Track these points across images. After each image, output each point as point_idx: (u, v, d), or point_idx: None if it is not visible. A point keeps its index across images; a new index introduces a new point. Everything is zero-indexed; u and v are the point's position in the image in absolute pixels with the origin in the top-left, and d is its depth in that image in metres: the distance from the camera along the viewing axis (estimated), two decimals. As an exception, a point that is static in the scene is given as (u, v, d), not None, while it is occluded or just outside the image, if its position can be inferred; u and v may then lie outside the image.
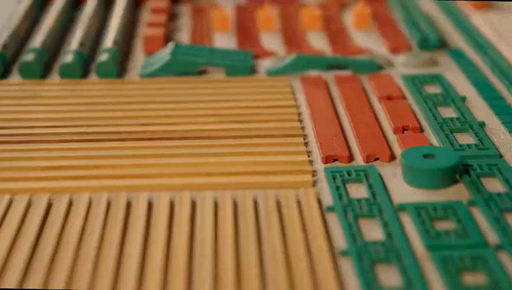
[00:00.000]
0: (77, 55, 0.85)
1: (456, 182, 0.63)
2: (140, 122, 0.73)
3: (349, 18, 1.01)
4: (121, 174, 0.65)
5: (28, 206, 0.61)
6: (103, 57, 0.84)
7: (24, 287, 0.52)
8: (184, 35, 0.97)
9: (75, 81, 0.83)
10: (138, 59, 0.90)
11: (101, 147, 0.69)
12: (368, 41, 0.94)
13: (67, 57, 0.84)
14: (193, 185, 0.64)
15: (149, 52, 0.90)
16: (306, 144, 0.70)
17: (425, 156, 0.64)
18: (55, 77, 0.84)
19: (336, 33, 0.96)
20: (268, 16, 0.98)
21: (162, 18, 0.96)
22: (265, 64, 0.87)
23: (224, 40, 0.95)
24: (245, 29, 0.98)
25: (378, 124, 0.73)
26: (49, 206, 0.61)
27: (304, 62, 0.84)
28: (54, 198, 0.62)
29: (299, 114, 0.76)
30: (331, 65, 0.85)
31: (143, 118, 0.74)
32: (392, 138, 0.71)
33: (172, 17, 1.03)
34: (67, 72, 0.83)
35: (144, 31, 0.93)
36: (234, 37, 0.96)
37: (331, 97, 0.79)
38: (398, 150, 0.69)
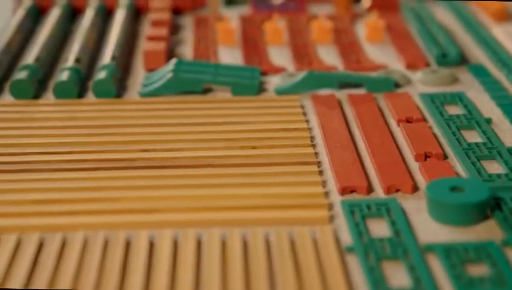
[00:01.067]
0: (73, 73, 0.79)
1: (486, 217, 0.58)
2: (141, 148, 0.68)
3: (362, 30, 0.96)
4: (119, 208, 0.59)
5: (17, 246, 0.56)
6: (101, 75, 0.78)
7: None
8: (187, 49, 0.91)
9: (70, 101, 0.77)
10: (138, 76, 0.84)
11: (97, 177, 0.63)
12: (382, 56, 0.88)
13: (63, 75, 0.78)
14: (198, 221, 0.58)
15: (150, 69, 0.85)
16: (320, 172, 0.64)
17: (452, 188, 0.58)
18: (49, 96, 0.79)
19: (348, 47, 0.90)
20: (276, 28, 0.92)
21: (163, 31, 0.90)
22: (273, 81, 0.82)
23: (230, 55, 0.90)
24: (251, 42, 0.92)
25: (398, 149, 0.67)
26: (40, 247, 0.56)
27: (315, 80, 0.79)
28: (46, 237, 0.57)
29: (312, 138, 0.70)
30: (345, 83, 0.80)
31: (143, 143, 0.69)
32: (414, 165, 0.65)
33: (175, 29, 0.97)
34: (62, 91, 0.78)
35: (144, 45, 0.87)
36: (240, 51, 0.90)
37: (346, 119, 0.74)
38: (420, 180, 0.63)
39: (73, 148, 0.68)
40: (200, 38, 0.94)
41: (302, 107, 0.76)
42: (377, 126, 0.71)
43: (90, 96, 0.79)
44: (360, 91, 0.79)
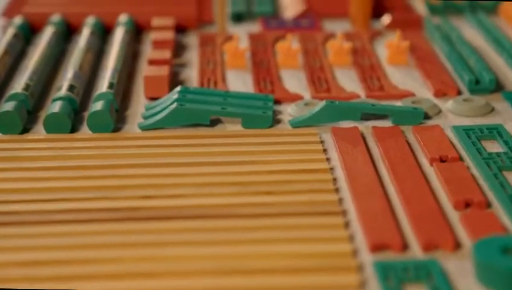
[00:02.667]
0: (66, 104, 0.71)
1: (543, 283, 0.50)
2: (141, 195, 0.60)
3: (382, 50, 0.88)
4: (114, 273, 0.51)
5: (-4, 322, 0.48)
6: (97, 106, 0.70)
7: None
8: (192, 73, 0.83)
9: (63, 137, 0.69)
10: (138, 105, 0.76)
11: (92, 231, 0.55)
12: (407, 81, 0.80)
13: (55, 106, 0.70)
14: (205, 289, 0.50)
15: (151, 96, 0.77)
16: (346, 224, 0.56)
17: (504, 249, 0.50)
18: (39, 130, 0.71)
19: (368, 70, 0.82)
20: (289, 49, 0.84)
21: (166, 54, 0.82)
22: (288, 111, 0.74)
23: (239, 79, 0.81)
24: (262, 65, 0.84)
25: (433, 196, 0.59)
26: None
27: (335, 111, 0.71)
28: (30, 309, 0.49)
29: (335, 180, 0.62)
30: (368, 114, 0.72)
31: (144, 187, 0.61)
32: (453, 215, 0.57)
33: (178, 49, 0.89)
34: (54, 125, 0.70)
35: (145, 70, 0.79)
36: (250, 75, 0.82)
37: (371, 156, 0.66)
38: (462, 234, 0.55)
39: (65, 194, 0.60)
40: (206, 59, 0.86)
41: (322, 142, 0.68)
42: (408, 166, 0.63)
43: (85, 130, 0.71)
44: (386, 123, 0.71)
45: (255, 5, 1.01)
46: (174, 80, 0.81)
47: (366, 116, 0.72)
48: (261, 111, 0.72)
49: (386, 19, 0.95)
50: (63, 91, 0.74)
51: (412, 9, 0.99)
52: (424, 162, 0.65)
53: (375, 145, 0.67)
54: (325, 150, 0.67)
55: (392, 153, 0.65)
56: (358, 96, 0.76)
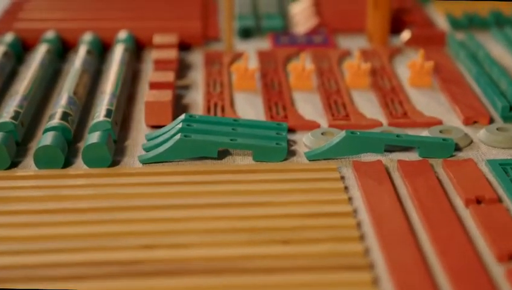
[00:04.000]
0: (59, 135, 0.64)
1: None
2: (142, 244, 0.53)
3: (403, 70, 0.81)
4: None
5: None
6: (93, 138, 0.63)
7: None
8: (197, 96, 0.77)
9: (55, 173, 0.62)
10: (139, 134, 0.69)
11: (85, 291, 0.49)
12: (433, 107, 0.73)
13: (46, 138, 0.64)
14: None
15: (153, 124, 0.70)
16: (375, 281, 0.50)
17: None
18: (29, 164, 0.64)
19: (389, 94, 0.75)
20: (303, 69, 0.77)
21: (169, 76, 0.75)
22: (303, 140, 0.67)
23: (249, 104, 0.75)
24: (273, 86, 0.78)
25: (471, 245, 0.52)
26: None
27: (356, 143, 0.64)
28: None
29: (358, 225, 0.55)
30: (393, 146, 0.65)
31: (145, 235, 0.54)
32: (496, 270, 0.50)
33: (182, 69, 0.83)
34: (45, 160, 0.63)
35: (146, 94, 0.72)
36: (261, 99, 0.75)
37: (398, 195, 0.59)
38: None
39: (56, 243, 0.53)
40: (213, 80, 0.79)
41: (342, 177, 0.61)
42: (441, 209, 0.56)
43: (80, 164, 0.64)
44: (412, 155, 0.64)
45: (264, 20, 0.94)
46: (178, 105, 0.74)
47: (390, 147, 0.65)
48: (275, 142, 0.65)
49: (406, 34, 0.88)
50: (56, 120, 0.67)
51: (432, 23, 0.93)
52: (459, 203, 0.58)
53: (402, 182, 0.61)
54: (346, 188, 0.60)
55: (421, 192, 0.58)
56: (380, 124, 0.69)
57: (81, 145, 0.67)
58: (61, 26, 0.89)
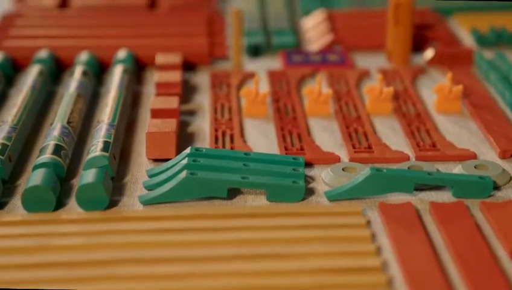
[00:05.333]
0: (50, 173, 0.57)
1: None
2: (142, 307, 0.46)
3: (427, 93, 0.74)
4: None
5: None
6: (88, 177, 0.57)
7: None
8: (203, 123, 0.70)
9: (45, 218, 0.55)
10: (140, 170, 0.62)
11: None
12: (464, 136, 0.66)
13: (36, 176, 0.57)
14: None
15: (155, 158, 0.63)
16: None
17: None
18: (16, 206, 0.57)
19: (414, 121, 0.69)
20: (319, 94, 0.70)
21: (172, 102, 0.68)
22: (322, 176, 0.60)
23: (260, 133, 0.68)
24: (287, 112, 0.71)
25: (522, 309, 0.46)
26: None
27: (382, 182, 0.57)
28: None
29: (389, 283, 0.48)
30: (423, 185, 0.58)
31: (146, 295, 0.47)
32: None
33: (187, 91, 0.76)
34: (34, 201, 0.56)
35: (147, 123, 0.65)
36: (273, 127, 0.69)
37: (432, 245, 0.52)
38: None
39: (44, 307, 0.46)
40: (220, 104, 0.72)
41: (368, 223, 0.54)
42: (482, 262, 0.49)
43: (74, 205, 0.57)
44: (445, 194, 0.57)
45: (274, 36, 0.87)
46: (183, 133, 0.68)
47: (420, 186, 0.58)
48: (291, 180, 0.58)
49: (429, 53, 0.81)
50: (48, 154, 0.60)
51: (456, 40, 0.86)
52: (502, 254, 0.51)
53: (436, 228, 0.54)
54: (373, 236, 0.53)
55: (459, 241, 0.52)
56: (406, 158, 0.63)
57: (76, 182, 0.60)
58: (56, 44, 0.82)
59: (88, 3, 0.95)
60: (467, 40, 0.87)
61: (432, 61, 0.80)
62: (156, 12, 0.92)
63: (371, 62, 0.82)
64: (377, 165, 0.62)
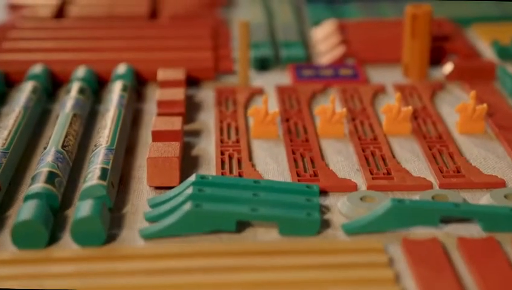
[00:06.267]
0: (43, 205, 0.53)
1: None
2: None
3: (447, 109, 0.69)
4: None
5: None
6: (84, 209, 0.52)
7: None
8: (208, 145, 0.65)
9: (36, 257, 0.50)
10: (140, 199, 0.58)
11: None
12: (490, 160, 0.62)
13: (27, 209, 0.52)
14: None
15: (156, 185, 0.58)
16: None
17: None
18: (5, 242, 0.52)
19: (435, 142, 0.64)
20: (333, 113, 0.66)
21: (175, 123, 0.63)
22: (338, 206, 0.56)
23: (270, 155, 0.63)
24: (298, 132, 0.66)
25: None
26: None
27: (405, 215, 0.52)
28: None
29: (417, 332, 0.44)
30: (449, 217, 0.53)
31: None
32: None
33: (190, 110, 0.71)
34: (24, 238, 0.51)
35: (148, 147, 0.60)
36: (283, 148, 0.64)
37: (462, 286, 0.47)
38: None
39: None
40: (226, 124, 0.68)
41: (391, 261, 0.50)
42: (520, 309, 0.45)
43: (68, 240, 0.52)
44: (473, 227, 0.53)
45: (283, 49, 0.82)
46: (186, 157, 0.63)
47: (446, 217, 0.53)
48: (305, 212, 0.53)
49: (448, 67, 0.76)
50: (40, 183, 0.55)
51: (476, 53, 0.81)
52: (541, 300, 0.46)
53: (465, 267, 0.49)
54: (396, 277, 0.48)
55: (491, 282, 0.47)
56: (429, 186, 0.58)
57: (71, 212, 0.55)
58: (51, 57, 0.77)
59: (85, 13, 0.90)
60: (487, 52, 0.82)
61: (451, 76, 0.76)
62: (157, 23, 0.87)
63: (386, 77, 0.77)
64: (397, 194, 0.57)
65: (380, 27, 0.86)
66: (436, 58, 0.78)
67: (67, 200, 0.57)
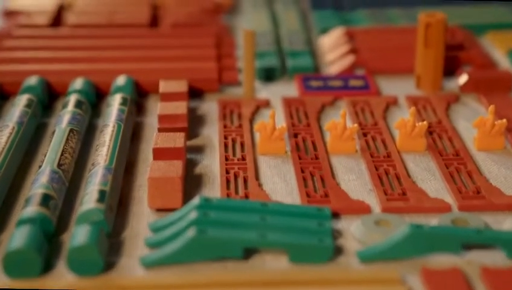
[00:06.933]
0: (36, 231, 0.49)
1: None
2: None
3: (463, 124, 0.66)
4: None
5: None
6: (80, 236, 0.48)
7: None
8: (213, 163, 0.62)
9: (29, 286, 0.47)
10: (140, 222, 0.54)
11: None
12: (511, 180, 0.58)
13: (19, 236, 0.48)
14: None
15: (158, 207, 0.55)
16: None
17: None
18: (-3, 270, 0.49)
19: (452, 160, 0.60)
20: (344, 129, 0.62)
21: (177, 140, 0.60)
22: (352, 230, 0.52)
23: (277, 173, 0.60)
24: (306, 149, 0.63)
25: None
26: None
27: (424, 242, 0.49)
28: None
29: None
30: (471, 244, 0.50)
31: None
32: None
33: (193, 124, 0.68)
34: (16, 266, 0.48)
35: (149, 166, 0.57)
36: (291, 165, 0.61)
37: (487, 322, 0.44)
38: None
39: None
40: (231, 139, 0.64)
41: (409, 291, 0.46)
42: None
43: (63, 269, 0.49)
44: (497, 254, 0.49)
45: (289, 58, 0.79)
46: (189, 175, 0.59)
47: (468, 246, 0.50)
48: (316, 238, 0.50)
49: (463, 78, 0.73)
50: (34, 206, 0.52)
51: (492, 63, 0.77)
52: None
53: (490, 300, 0.46)
54: (417, 310, 0.45)
55: (520, 318, 0.43)
56: (448, 208, 0.54)
57: (66, 237, 0.52)
58: (47, 68, 0.74)
59: (83, 21, 0.86)
60: (504, 62, 0.78)
61: (466, 88, 0.72)
62: (158, 31, 0.84)
63: (398, 88, 0.74)
64: (414, 216, 0.54)
65: (390, 35, 0.82)
66: (449, 69, 0.75)
67: (63, 223, 0.54)
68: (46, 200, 0.53)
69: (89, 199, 0.53)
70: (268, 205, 0.53)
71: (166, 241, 0.51)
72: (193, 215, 0.51)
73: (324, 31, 0.86)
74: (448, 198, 0.56)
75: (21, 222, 0.51)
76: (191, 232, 0.49)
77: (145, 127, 0.68)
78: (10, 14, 0.90)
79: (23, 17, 0.87)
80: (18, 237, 0.49)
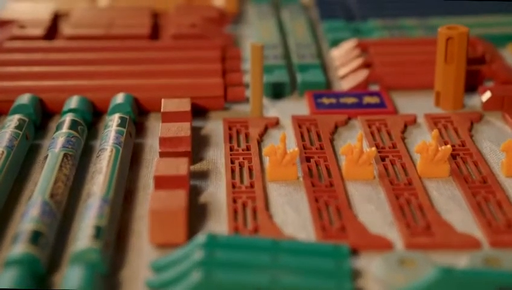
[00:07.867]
0: (23, 275, 0.45)
1: None
2: None
3: (488, 145, 0.61)
4: None
5: None
6: (73, 282, 0.44)
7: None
8: (218, 192, 0.57)
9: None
10: (140, 260, 0.49)
11: None
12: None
13: (4, 282, 0.44)
14: None
15: (160, 243, 0.50)
16: None
17: None
18: (-19, 318, 0.44)
19: (479, 188, 0.55)
20: (361, 153, 0.57)
21: (180, 167, 0.55)
22: (373, 270, 0.47)
23: (288, 202, 0.55)
24: (320, 175, 0.58)
25: None
26: None
27: (455, 287, 0.44)
28: None
29: None
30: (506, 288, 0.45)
31: None
32: None
33: (197, 146, 0.63)
34: (2, 315, 0.43)
35: (150, 196, 0.52)
36: (303, 193, 0.56)
37: None
38: None
39: None
40: (238, 165, 0.59)
41: None
42: None
43: (55, 316, 0.44)
44: (534, 301, 0.45)
45: (299, 73, 0.74)
46: (193, 205, 0.55)
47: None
48: (334, 282, 0.45)
49: (486, 95, 0.68)
50: (22, 247, 0.47)
51: (514, 77, 0.73)
52: None
53: None
54: None
55: None
56: (477, 244, 0.50)
57: (58, 279, 0.47)
58: (41, 84, 0.69)
59: (80, 33, 0.81)
60: (527, 77, 0.74)
61: (488, 105, 0.67)
62: (159, 44, 0.79)
63: (415, 106, 0.69)
64: (440, 254, 0.49)
65: (405, 47, 0.77)
66: (470, 84, 0.70)
67: (55, 261, 0.49)
68: (35, 238, 0.48)
69: (83, 235, 0.48)
70: (280, 243, 0.48)
71: (169, 284, 0.46)
72: (199, 255, 0.46)
73: (335, 42, 0.81)
74: (477, 232, 0.51)
75: (8, 263, 0.46)
76: (196, 276, 0.45)
77: (146, 149, 0.63)
78: (2, 24, 0.85)
79: (16, 28, 0.82)
80: (3, 282, 0.44)
